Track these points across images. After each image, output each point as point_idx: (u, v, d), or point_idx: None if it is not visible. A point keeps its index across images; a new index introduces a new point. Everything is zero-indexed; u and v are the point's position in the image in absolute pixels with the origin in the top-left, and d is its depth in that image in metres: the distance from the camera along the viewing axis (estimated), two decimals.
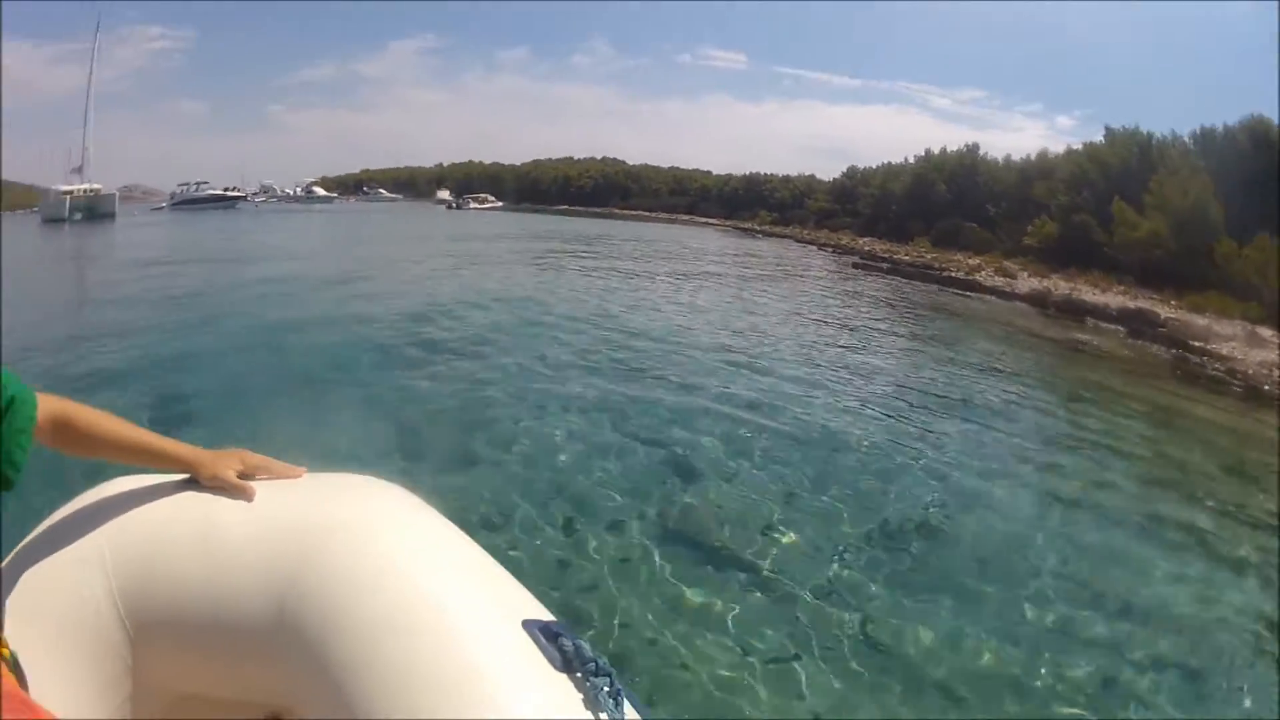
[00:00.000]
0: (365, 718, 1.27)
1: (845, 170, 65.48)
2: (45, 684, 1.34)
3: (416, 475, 5.73)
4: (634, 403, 8.27)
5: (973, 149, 49.98)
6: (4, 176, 74.55)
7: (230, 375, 9.00)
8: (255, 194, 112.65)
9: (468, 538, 1.66)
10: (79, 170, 65.08)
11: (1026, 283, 25.25)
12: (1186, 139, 30.55)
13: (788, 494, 6.17)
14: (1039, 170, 40.13)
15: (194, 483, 1.66)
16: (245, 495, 1.60)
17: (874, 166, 61.62)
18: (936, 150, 52.33)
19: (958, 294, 24.19)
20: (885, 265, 32.23)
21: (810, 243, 49.81)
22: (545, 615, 1.45)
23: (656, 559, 5.09)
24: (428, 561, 1.50)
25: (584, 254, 28.81)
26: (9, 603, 1.39)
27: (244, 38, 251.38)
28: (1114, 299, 22.04)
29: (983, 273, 28.23)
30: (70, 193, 57.86)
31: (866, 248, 42.04)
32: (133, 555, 1.54)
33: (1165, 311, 20.24)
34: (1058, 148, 45.90)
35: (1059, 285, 24.22)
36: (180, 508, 1.62)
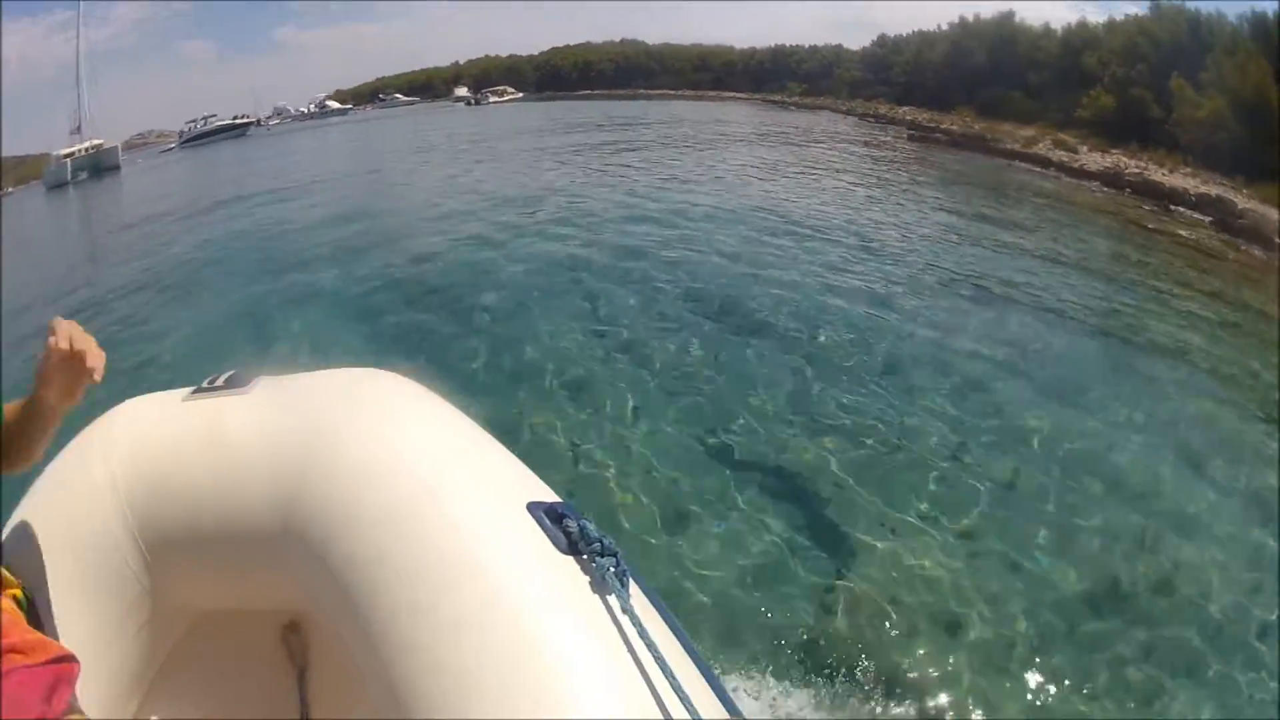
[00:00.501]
0: (375, 614, 1.29)
1: (876, 39, 64.40)
2: (66, 619, 1.38)
3: (426, 362, 5.97)
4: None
5: (1008, 16, 49.09)
6: (21, 151, 75.32)
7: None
8: (269, 117, 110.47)
9: (472, 423, 1.70)
10: (77, 130, 63.43)
11: (1090, 157, 25.77)
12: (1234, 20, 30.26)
13: (830, 399, 6.02)
14: (1083, 40, 39.71)
15: (200, 392, 1.76)
16: (247, 399, 1.72)
17: (906, 35, 60.30)
18: (970, 17, 51.47)
19: (1026, 170, 24.53)
20: (942, 137, 32.25)
21: (848, 113, 49.70)
22: (551, 497, 1.48)
23: (673, 439, 5.17)
24: (430, 451, 1.53)
25: (625, 148, 24.89)
26: (26, 544, 1.42)
27: None
28: (1184, 181, 21.55)
29: (1040, 145, 28.48)
30: (70, 154, 56.69)
31: (908, 117, 41.96)
32: (143, 478, 1.57)
33: (1240, 200, 18.97)
34: (1093, 18, 45.40)
35: (1126, 163, 24.58)
36: (186, 422, 1.67)
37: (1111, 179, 22.74)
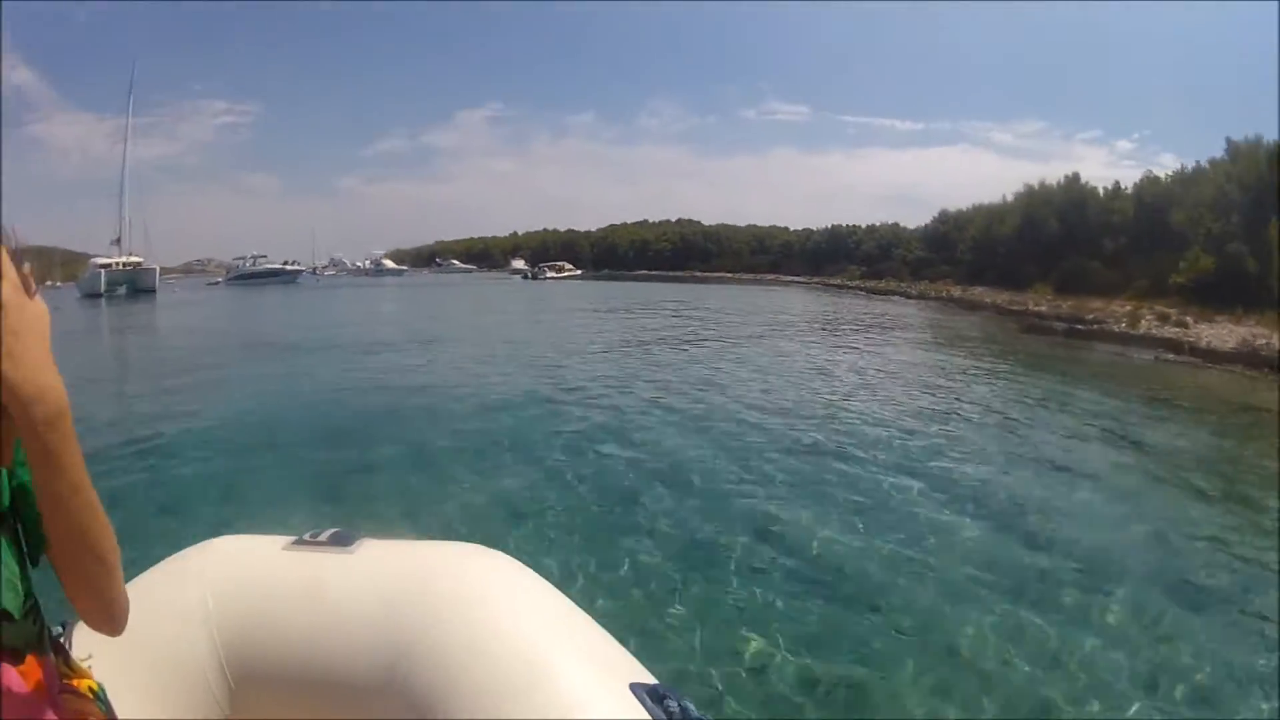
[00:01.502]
0: None
1: (936, 216, 63.49)
2: None
3: (522, 540, 5.93)
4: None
5: (1074, 179, 47.55)
6: (67, 247, 76.39)
7: None
8: (324, 267, 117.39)
9: (572, 603, 1.67)
10: (117, 242, 63.91)
11: (1208, 331, 22.44)
12: None
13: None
14: (1156, 195, 37.55)
15: (301, 544, 1.77)
16: (355, 559, 1.71)
17: (965, 209, 59.57)
18: (1036, 184, 49.74)
19: (1156, 359, 20.09)
20: (1061, 327, 27.73)
21: (919, 297, 46.88)
22: (649, 678, 1.45)
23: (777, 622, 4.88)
24: (536, 628, 1.51)
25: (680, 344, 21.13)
26: (104, 644, 1.29)
27: (310, 111, 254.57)
28: None
29: (1144, 321, 25.61)
30: (107, 265, 56.42)
31: (987, 299, 39.50)
32: (238, 609, 1.59)
33: None
34: (1131, 174, 43.74)
35: (1254, 335, 21.05)
36: (288, 568, 1.69)
37: (1247, 357, 18.87)
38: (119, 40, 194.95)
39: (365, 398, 12.30)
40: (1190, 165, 38.10)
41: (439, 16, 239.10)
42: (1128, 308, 28.80)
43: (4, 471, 0.94)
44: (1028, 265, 42.10)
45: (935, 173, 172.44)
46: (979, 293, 42.89)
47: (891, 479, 7.67)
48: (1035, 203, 46.96)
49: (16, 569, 0.96)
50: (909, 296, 48.43)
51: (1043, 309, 32.70)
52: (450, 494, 7.16)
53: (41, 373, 0.85)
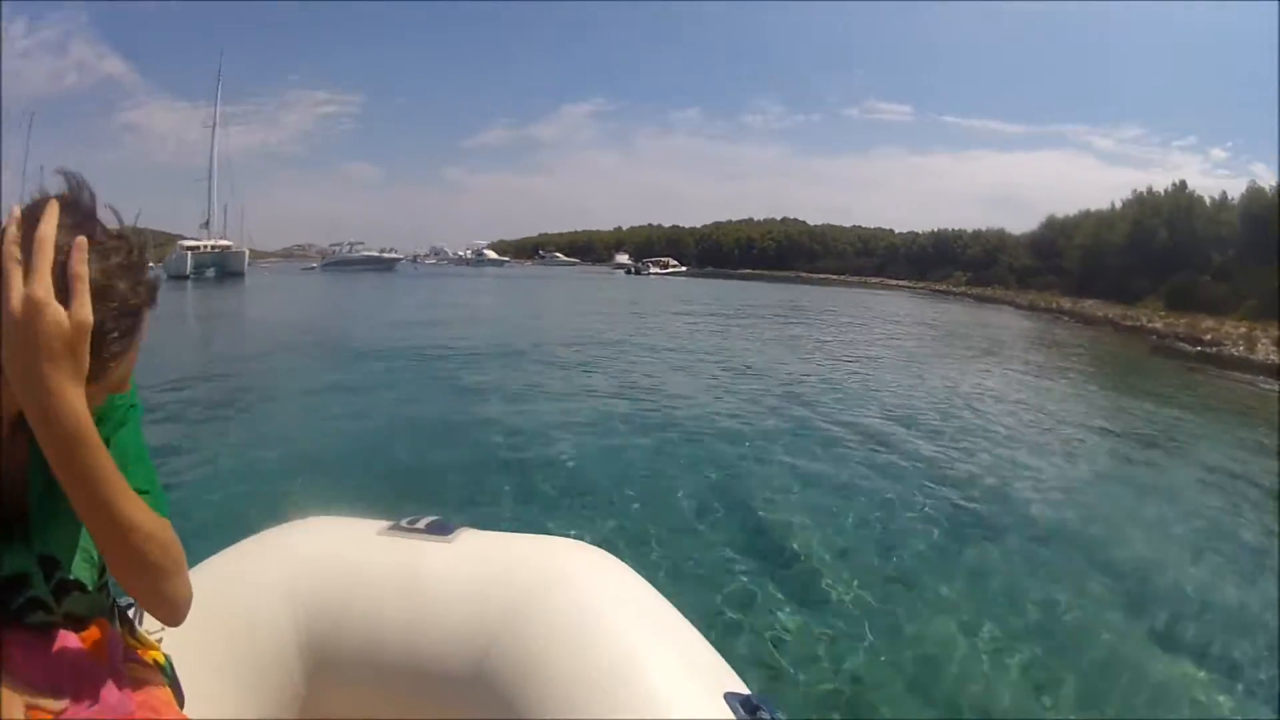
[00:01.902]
0: None
1: (1043, 221, 63.18)
2: (205, 699, 1.33)
3: (626, 539, 5.80)
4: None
5: (1180, 188, 47.13)
6: (161, 228, 69.07)
7: None
8: (425, 255, 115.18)
9: (669, 604, 1.67)
10: (206, 225, 64.05)
11: None
12: None
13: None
14: (1265, 206, 36.97)
15: (397, 529, 1.76)
16: (450, 548, 1.71)
17: (1072, 214, 58.97)
18: (1145, 190, 49.07)
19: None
20: (1189, 350, 26.58)
21: (1030, 308, 45.59)
22: (743, 687, 1.44)
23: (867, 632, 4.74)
24: (629, 626, 1.51)
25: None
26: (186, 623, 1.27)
27: (414, 103, 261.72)
28: None
29: (1261, 345, 25.69)
30: (194, 248, 55.37)
31: (1099, 313, 38.42)
32: (325, 591, 1.59)
33: None
34: (1224, 183, 43.55)
35: None
36: (381, 552, 1.68)
37: None
38: (217, 31, 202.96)
39: (452, 397, 11.49)
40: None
41: (545, 13, 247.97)
42: (1242, 329, 28.86)
43: None
44: (1138, 278, 41.50)
45: (1038, 176, 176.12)
46: (1091, 305, 41.74)
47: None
48: (1145, 211, 46.60)
49: (91, 540, 0.99)
50: (1018, 307, 47.23)
51: (1158, 326, 32.61)
52: (554, 494, 6.94)
53: (50, 396, 0.83)
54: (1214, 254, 39.41)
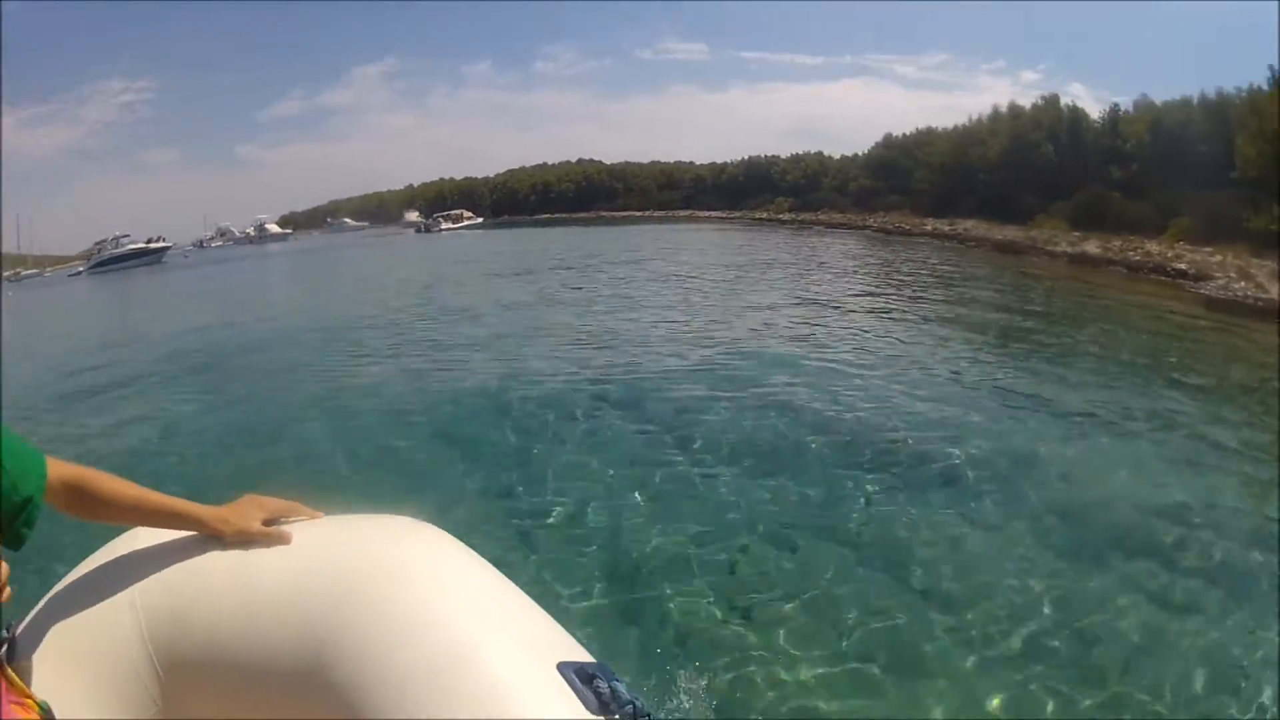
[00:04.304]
0: None
1: (881, 140, 57.81)
2: None
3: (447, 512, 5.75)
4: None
5: (1053, 101, 42.29)
6: None
7: None
8: (212, 238, 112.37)
9: (503, 577, 1.62)
10: None
11: None
12: None
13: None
14: (1181, 122, 32.34)
15: None
16: (281, 541, 1.59)
17: (910, 133, 54.53)
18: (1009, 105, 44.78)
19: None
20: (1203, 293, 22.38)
21: (899, 233, 41.05)
22: (583, 655, 1.42)
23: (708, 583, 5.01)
24: (462, 606, 1.47)
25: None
26: (39, 653, 1.38)
27: (207, 81, 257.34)
28: None
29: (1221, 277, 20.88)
30: None
31: (996, 235, 33.86)
32: (164, 602, 1.53)
33: None
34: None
35: None
36: (211, 555, 1.60)
37: None
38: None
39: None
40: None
41: None
42: (1217, 257, 23.47)
43: None
44: (1026, 195, 36.59)
45: (839, 106, 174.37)
46: (971, 226, 37.22)
47: None
48: (1022, 126, 41.38)
49: None
50: (872, 231, 44.00)
51: (1094, 251, 27.27)
52: (373, 471, 7.13)
53: None
54: (1114, 170, 34.71)
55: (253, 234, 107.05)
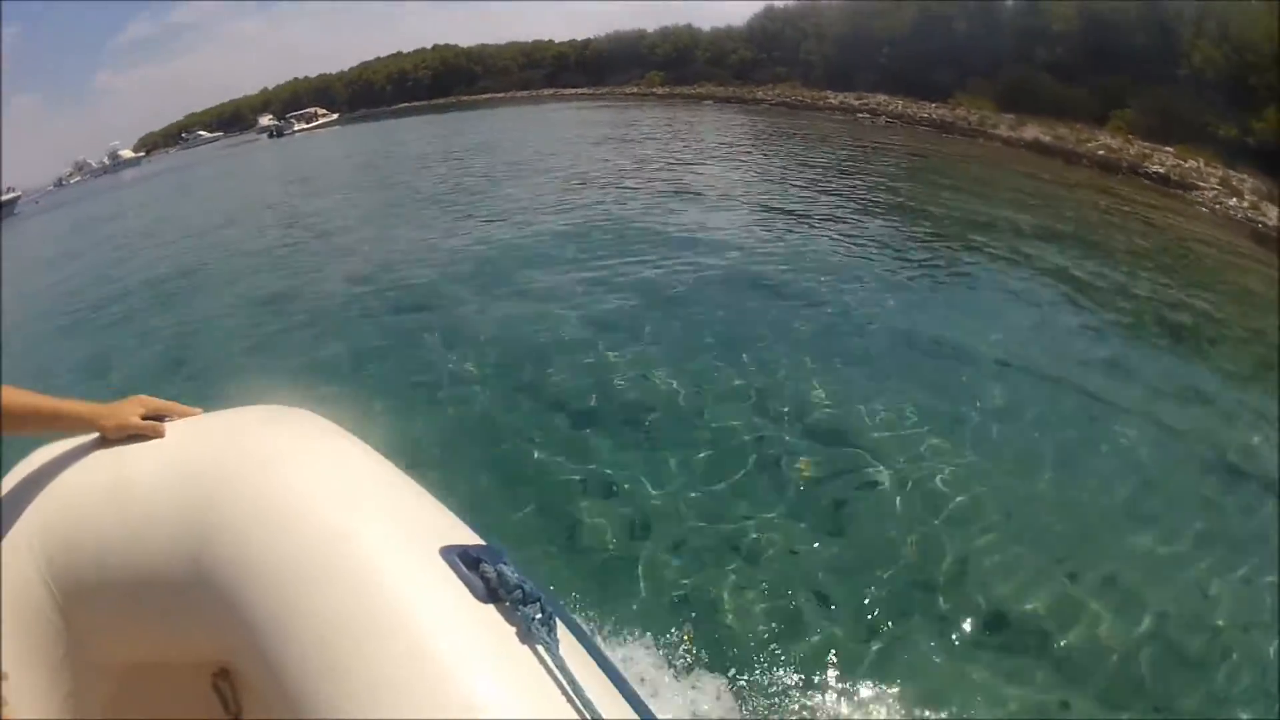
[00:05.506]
0: (293, 672, 1.23)
1: (762, 11, 53.24)
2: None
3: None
4: None
5: None
6: None
7: None
8: (69, 175, 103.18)
9: (384, 460, 1.57)
10: None
11: None
12: None
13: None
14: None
15: (102, 441, 1.60)
16: (156, 434, 1.56)
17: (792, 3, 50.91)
18: None
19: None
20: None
21: (792, 106, 38.42)
22: (470, 538, 1.39)
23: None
24: (339, 494, 1.43)
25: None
26: None
27: (62, 18, 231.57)
28: None
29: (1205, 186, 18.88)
30: None
31: (891, 109, 31.57)
32: (55, 530, 1.49)
33: None
34: None
35: None
36: (91, 470, 1.56)
37: None
38: None
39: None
40: None
41: None
42: (1192, 161, 21.00)
43: None
44: (938, 71, 33.68)
45: None
46: (883, 101, 34.51)
47: None
48: None
49: None
50: (754, 102, 41.92)
51: (1045, 138, 24.98)
52: (237, 363, 7.08)
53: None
54: (1040, 51, 31.96)
55: (108, 163, 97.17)
